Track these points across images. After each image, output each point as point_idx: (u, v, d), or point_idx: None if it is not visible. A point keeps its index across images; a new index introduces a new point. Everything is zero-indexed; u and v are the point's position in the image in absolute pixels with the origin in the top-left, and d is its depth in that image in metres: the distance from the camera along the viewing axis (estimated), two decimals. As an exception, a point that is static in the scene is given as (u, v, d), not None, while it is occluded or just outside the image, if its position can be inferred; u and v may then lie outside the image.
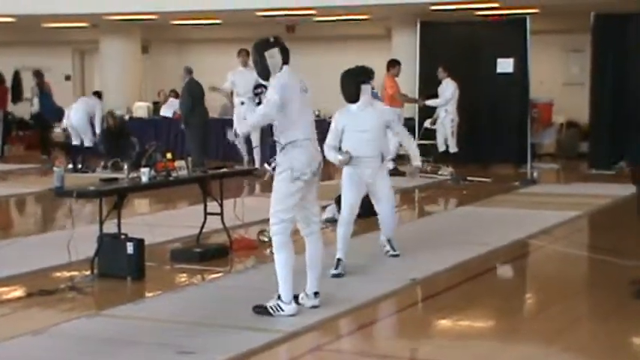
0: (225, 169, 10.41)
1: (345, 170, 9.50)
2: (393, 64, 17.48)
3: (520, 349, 6.90)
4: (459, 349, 6.90)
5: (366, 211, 12.43)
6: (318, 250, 7.66)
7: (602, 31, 17.57)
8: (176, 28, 22.70)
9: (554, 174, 17.94)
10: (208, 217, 10.04)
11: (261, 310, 7.23)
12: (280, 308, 7.17)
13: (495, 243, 10.47)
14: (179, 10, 19.91)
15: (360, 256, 9.89)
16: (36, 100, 21.60)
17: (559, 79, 20.72)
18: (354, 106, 9.47)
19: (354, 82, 9.47)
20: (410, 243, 10.52)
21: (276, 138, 7.44)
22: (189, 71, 17.15)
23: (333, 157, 9.42)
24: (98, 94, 19.47)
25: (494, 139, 17.60)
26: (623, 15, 17.25)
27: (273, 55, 7.58)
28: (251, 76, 13.96)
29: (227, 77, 17.10)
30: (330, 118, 20.92)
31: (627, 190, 14.23)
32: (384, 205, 9.81)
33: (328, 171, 18.67)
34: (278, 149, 7.44)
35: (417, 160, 10.01)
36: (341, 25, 21.57)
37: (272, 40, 7.73)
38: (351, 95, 9.44)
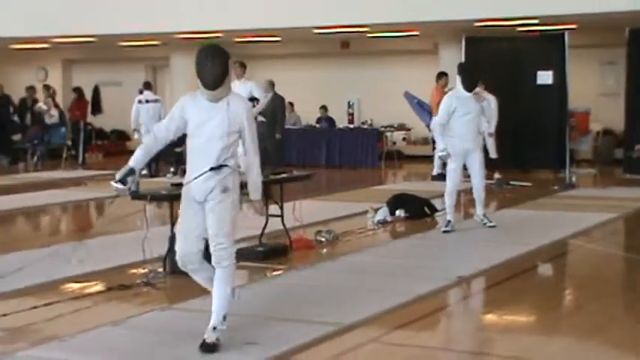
0: (285, 175, 10.43)
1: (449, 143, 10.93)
2: (441, 76, 17.51)
3: (560, 342, 6.83)
4: (505, 342, 6.86)
5: (416, 213, 12.47)
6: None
7: (636, 45, 17.46)
8: (239, 45, 22.78)
9: (591, 178, 17.79)
10: (270, 218, 10.06)
11: (205, 348, 6.08)
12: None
13: (536, 243, 10.39)
14: (242, 29, 20.01)
15: (410, 256, 9.90)
16: (55, 112, 22.43)
17: (595, 90, 20.54)
18: (466, 93, 10.92)
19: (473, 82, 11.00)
20: (456, 243, 10.52)
21: (225, 159, 6.32)
22: (272, 85, 17.21)
23: (439, 135, 11.16)
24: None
25: (534, 146, 17.50)
26: (657, 30, 17.13)
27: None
28: (243, 90, 13.97)
29: None
30: (382, 127, 21.11)
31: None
32: (476, 179, 11.23)
33: (379, 175, 18.78)
34: (227, 171, 6.35)
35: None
36: (392, 41, 21.54)
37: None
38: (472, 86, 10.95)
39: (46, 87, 22.57)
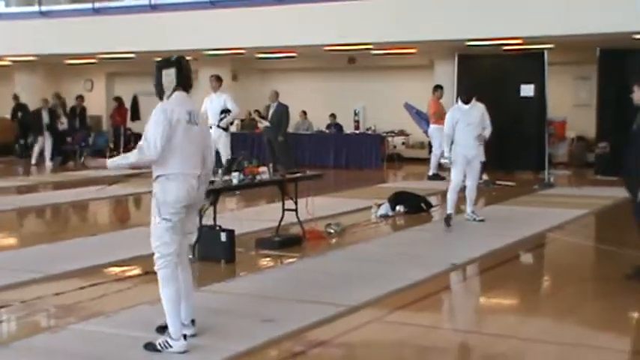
0: (299, 174, 10.43)
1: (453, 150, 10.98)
2: (436, 88, 17.51)
3: (540, 321, 6.82)
4: (491, 322, 6.87)
5: (414, 208, 12.45)
6: (187, 280, 5.95)
7: (605, 63, 17.45)
8: (259, 60, 22.81)
9: (567, 179, 17.74)
10: (285, 212, 10.06)
11: (149, 347, 5.65)
12: (169, 345, 5.60)
13: (519, 235, 10.38)
14: (262, 46, 20.02)
15: (408, 246, 9.90)
16: (65, 120, 22.52)
17: (570, 102, 20.46)
18: (465, 106, 10.97)
19: (468, 93, 11.11)
20: (449, 234, 10.52)
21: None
22: (277, 95, 17.17)
23: (446, 145, 11.11)
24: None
25: (518, 150, 17.43)
26: (624, 50, 17.07)
27: (169, 75, 5.81)
28: (218, 102, 13.86)
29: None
30: (384, 132, 21.09)
31: (626, 192, 13.96)
32: (471, 181, 11.14)
33: (382, 175, 18.77)
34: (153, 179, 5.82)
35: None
36: (393, 57, 21.50)
37: (173, 59, 5.91)
38: (467, 98, 11.03)
39: (57, 96, 22.72)
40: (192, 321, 5.94)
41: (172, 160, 5.65)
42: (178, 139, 5.65)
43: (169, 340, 5.62)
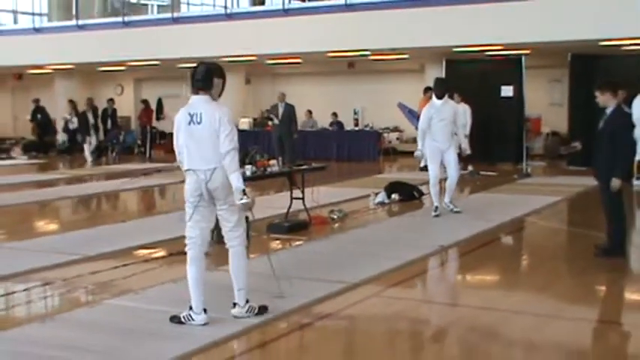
0: (305, 166, 10.42)
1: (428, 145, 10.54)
2: (427, 90, 17.39)
3: (518, 296, 6.83)
4: (475, 296, 6.87)
5: (407, 196, 12.45)
6: (237, 264, 5.90)
7: (576, 67, 17.38)
8: (270, 66, 22.79)
9: (542, 169, 17.69)
10: (293, 200, 10.07)
11: (175, 319, 5.70)
12: (191, 318, 5.66)
13: (500, 219, 10.37)
14: (272, 53, 19.99)
15: (402, 230, 9.90)
16: (75, 120, 22.40)
17: (545, 101, 20.38)
18: (438, 102, 10.52)
19: (441, 88, 10.65)
20: (438, 220, 10.49)
21: None
22: (284, 96, 17.14)
23: (420, 139, 10.55)
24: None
25: (499, 144, 17.44)
26: (592, 55, 17.03)
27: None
28: None
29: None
30: (380, 129, 21.07)
31: (595, 181, 13.93)
32: (452, 171, 10.68)
33: (379, 167, 18.76)
34: None
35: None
36: (388, 62, 21.45)
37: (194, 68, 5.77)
38: (440, 94, 10.57)
39: (70, 101, 22.79)
40: (235, 304, 5.85)
41: (185, 158, 5.73)
42: (182, 140, 5.70)
43: (192, 314, 5.66)
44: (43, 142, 24.46)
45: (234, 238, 5.85)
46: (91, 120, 21.87)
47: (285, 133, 16.77)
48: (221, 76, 5.78)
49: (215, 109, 5.66)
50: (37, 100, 24.53)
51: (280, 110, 17.04)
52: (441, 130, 10.48)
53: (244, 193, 5.57)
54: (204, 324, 5.63)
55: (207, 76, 5.69)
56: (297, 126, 17.45)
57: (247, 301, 5.85)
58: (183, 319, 5.66)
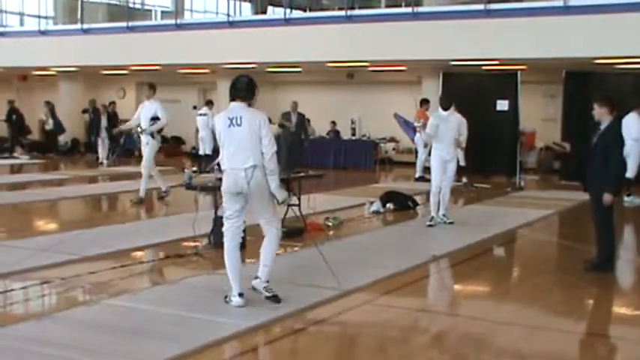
0: (302, 174, 10.43)
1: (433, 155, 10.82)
2: (424, 102, 17.47)
3: (510, 306, 6.85)
4: (467, 306, 6.88)
5: (402, 206, 12.46)
6: (269, 245, 6.37)
7: (570, 83, 17.44)
8: (270, 74, 22.79)
9: (536, 183, 17.73)
10: (290, 207, 10.06)
11: (226, 298, 6.23)
12: (231, 299, 6.17)
13: (493, 231, 10.39)
14: (272, 61, 20.00)
15: (396, 239, 9.91)
16: (51, 121, 22.76)
17: (539, 116, 20.42)
18: (444, 113, 10.72)
19: (448, 101, 10.88)
20: (432, 229, 10.51)
21: None
22: (296, 105, 17.24)
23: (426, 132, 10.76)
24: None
25: (493, 157, 17.43)
26: (586, 72, 17.10)
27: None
28: (149, 109, 12.95)
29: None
30: (377, 139, 21.09)
31: (587, 195, 13.95)
32: (446, 183, 10.74)
33: (375, 176, 18.77)
34: None
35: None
36: (386, 74, 21.48)
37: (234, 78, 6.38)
38: (446, 106, 10.79)
39: (47, 102, 22.89)
40: (257, 277, 6.35)
41: (224, 159, 6.20)
42: (224, 141, 6.17)
43: (231, 296, 6.17)
44: (20, 142, 24.40)
45: (272, 227, 6.34)
46: (104, 123, 21.84)
47: (297, 142, 16.85)
48: (257, 87, 6.37)
49: (255, 113, 6.20)
50: (11, 102, 24.53)
51: (293, 119, 17.18)
52: (447, 139, 10.64)
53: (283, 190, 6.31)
54: (241, 306, 6.09)
55: (249, 88, 6.27)
56: (309, 134, 17.51)
57: (267, 282, 6.32)
58: (227, 300, 6.17)
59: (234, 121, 6.12)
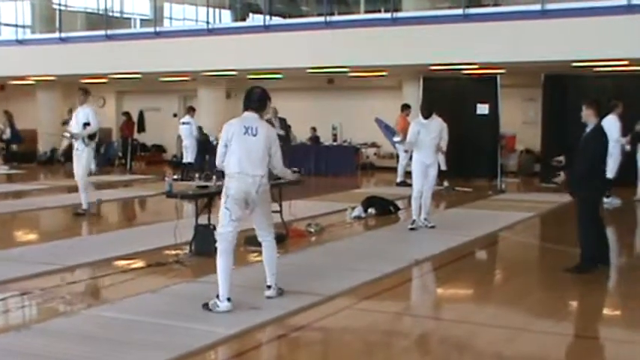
0: (282, 180, 10.40)
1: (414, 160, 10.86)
2: (405, 107, 17.54)
3: (491, 309, 6.88)
4: (449, 309, 6.91)
5: (383, 211, 12.48)
6: (271, 256, 6.70)
7: (549, 86, 17.59)
8: (250, 81, 22.77)
9: (516, 186, 17.83)
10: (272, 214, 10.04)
11: (205, 306, 6.23)
12: (217, 305, 6.19)
13: (474, 234, 10.42)
14: (252, 68, 20.00)
15: (378, 244, 9.92)
16: (8, 130, 22.54)
17: (519, 119, 20.55)
18: (425, 120, 10.75)
19: (428, 110, 10.87)
20: (413, 233, 10.53)
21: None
22: (276, 110, 17.22)
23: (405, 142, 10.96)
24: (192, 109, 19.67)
25: (474, 161, 17.51)
26: (564, 75, 17.26)
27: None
28: (82, 115, 12.32)
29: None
30: (358, 144, 21.11)
31: (567, 198, 14.08)
32: (427, 187, 10.79)
33: (356, 182, 18.80)
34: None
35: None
36: (366, 79, 21.55)
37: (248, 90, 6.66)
38: (427, 115, 10.82)
39: (5, 112, 22.75)
40: (269, 286, 6.67)
41: (233, 163, 6.35)
42: (236, 147, 6.34)
43: (217, 301, 6.20)
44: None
45: (268, 235, 6.64)
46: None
47: (281, 147, 16.76)
48: (270, 99, 6.67)
49: (267, 127, 6.54)
50: None
51: (276, 124, 17.13)
52: (428, 145, 10.66)
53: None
54: (228, 311, 6.14)
55: (262, 100, 6.56)
56: (292, 140, 17.46)
57: (276, 284, 6.65)
58: (211, 306, 6.19)
59: (249, 130, 6.37)
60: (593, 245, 8.02)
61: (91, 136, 12.36)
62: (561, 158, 8.88)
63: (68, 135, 12.65)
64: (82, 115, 12.31)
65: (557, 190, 15.75)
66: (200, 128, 19.52)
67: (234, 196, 6.33)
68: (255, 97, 6.54)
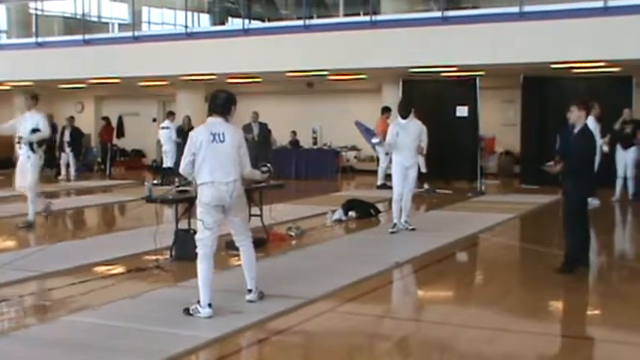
0: (263, 184, 10.40)
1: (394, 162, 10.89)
2: (385, 110, 17.57)
3: (472, 310, 6.91)
4: (430, 311, 6.93)
5: (364, 214, 12.50)
6: (250, 259, 6.69)
7: (528, 88, 17.72)
8: (229, 85, 22.73)
9: (496, 187, 17.92)
10: (252, 217, 10.03)
11: (186, 311, 6.23)
12: (198, 310, 6.17)
13: (455, 236, 10.46)
14: (232, 72, 19.97)
15: (359, 247, 9.93)
16: None
17: (499, 121, 20.69)
18: (403, 121, 10.73)
19: (406, 109, 10.82)
20: (394, 236, 10.55)
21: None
22: (257, 115, 17.25)
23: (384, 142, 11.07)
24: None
25: (454, 163, 17.58)
26: (543, 77, 17.39)
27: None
28: (31, 121, 11.72)
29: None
30: (338, 147, 21.14)
31: (546, 199, 14.27)
32: (407, 189, 10.80)
33: (336, 185, 18.82)
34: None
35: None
36: (346, 82, 21.59)
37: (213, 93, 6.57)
38: (405, 115, 10.77)
39: None
40: (249, 290, 6.66)
41: (204, 172, 6.30)
42: (202, 156, 6.27)
43: (198, 307, 6.17)
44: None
45: (245, 239, 6.64)
46: (67, 137, 21.58)
47: (262, 153, 16.76)
48: (235, 103, 6.51)
49: (234, 130, 6.45)
50: None
51: (255, 130, 17.13)
52: (407, 146, 10.66)
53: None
54: (209, 317, 6.12)
55: (227, 104, 6.44)
56: (273, 144, 17.47)
57: (256, 288, 6.65)
58: (191, 311, 6.18)
59: (217, 137, 6.29)
60: (579, 245, 8.07)
61: (40, 143, 11.74)
62: (552, 163, 8.94)
63: (16, 141, 11.96)
64: (30, 120, 11.68)
65: (536, 191, 15.92)
66: (180, 130, 19.45)
67: (209, 203, 6.34)
68: (220, 102, 6.45)
